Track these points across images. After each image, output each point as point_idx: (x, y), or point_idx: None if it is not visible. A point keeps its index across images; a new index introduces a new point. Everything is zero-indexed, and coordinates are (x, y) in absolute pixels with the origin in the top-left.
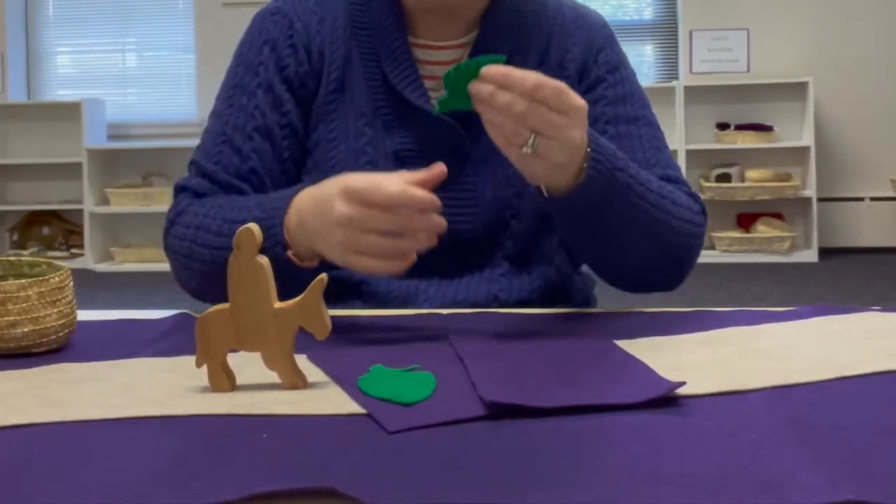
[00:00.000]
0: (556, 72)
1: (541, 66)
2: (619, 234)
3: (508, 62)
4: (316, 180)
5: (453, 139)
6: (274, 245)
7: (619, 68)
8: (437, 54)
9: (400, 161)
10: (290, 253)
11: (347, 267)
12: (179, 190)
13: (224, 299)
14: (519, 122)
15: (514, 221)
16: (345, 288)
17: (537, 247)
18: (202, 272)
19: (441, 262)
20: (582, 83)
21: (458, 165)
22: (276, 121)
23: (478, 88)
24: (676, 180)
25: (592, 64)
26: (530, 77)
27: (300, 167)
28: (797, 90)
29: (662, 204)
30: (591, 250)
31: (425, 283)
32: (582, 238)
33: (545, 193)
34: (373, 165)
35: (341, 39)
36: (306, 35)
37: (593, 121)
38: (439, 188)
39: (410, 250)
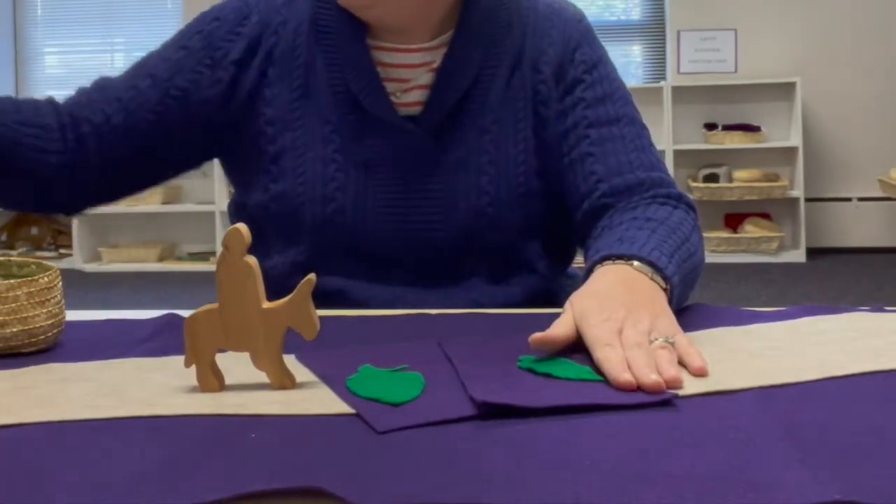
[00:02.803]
0: (531, 76)
1: (515, 70)
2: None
3: (482, 68)
4: (286, 189)
5: (422, 147)
6: None
7: (598, 66)
8: (402, 57)
9: (370, 169)
10: None
11: None
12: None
13: None
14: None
15: (491, 231)
16: (323, 297)
17: (517, 255)
18: None
19: (418, 271)
20: (559, 85)
21: (428, 173)
22: (180, 80)
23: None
24: (660, 182)
25: (569, 64)
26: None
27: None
28: (785, 90)
29: (690, 248)
30: None
31: (402, 290)
32: None
33: None
34: (343, 173)
35: (304, 45)
36: (258, 30)
37: (573, 125)
38: (409, 196)
39: None
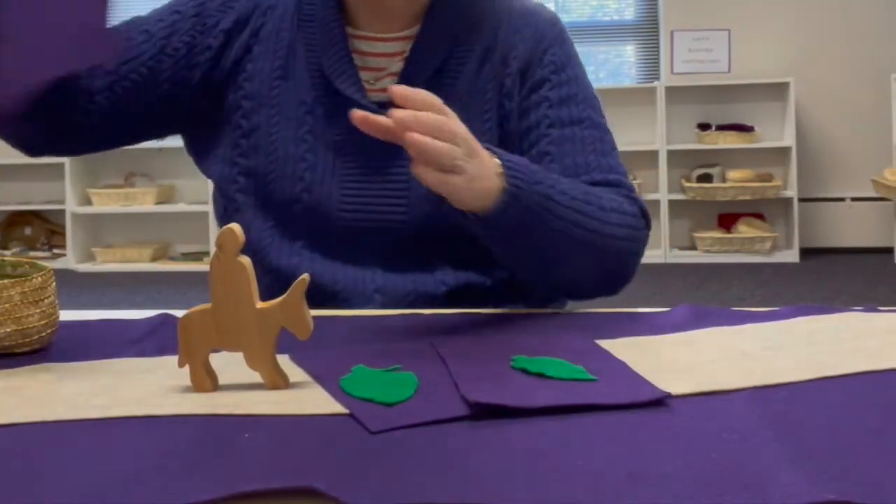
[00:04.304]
0: (500, 69)
1: (485, 62)
2: (546, 250)
3: (449, 59)
4: (257, 165)
5: None
6: None
7: (566, 68)
8: (380, 46)
9: (338, 150)
10: None
11: None
12: None
13: None
14: (450, 140)
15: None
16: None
17: (481, 243)
18: None
19: (385, 256)
20: (525, 82)
21: (392, 157)
22: (176, 40)
23: (401, 115)
24: (617, 184)
25: (537, 64)
26: (429, 94)
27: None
28: (778, 90)
29: (590, 212)
30: (522, 268)
31: (370, 274)
32: (513, 257)
33: (470, 217)
34: (313, 153)
35: (288, 30)
36: (249, 8)
37: (536, 123)
38: (373, 179)
39: None
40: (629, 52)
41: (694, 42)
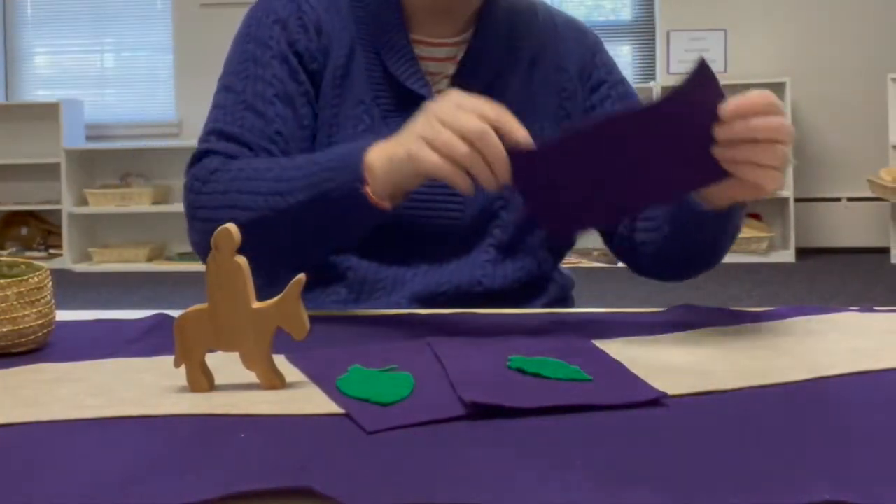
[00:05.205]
0: (556, 75)
1: (533, 68)
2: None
3: (502, 62)
4: None
5: None
6: (351, 180)
7: (615, 70)
8: (433, 50)
9: None
10: (367, 189)
11: (415, 163)
12: (204, 154)
13: (267, 252)
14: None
15: (504, 211)
16: (333, 274)
17: (523, 238)
18: (245, 220)
19: (429, 249)
20: (584, 84)
21: None
22: (295, 89)
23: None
24: None
25: (591, 66)
26: (751, 96)
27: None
28: (774, 91)
29: None
30: (704, 248)
31: (412, 272)
32: (699, 240)
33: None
34: None
35: (346, 29)
36: (315, 16)
37: None
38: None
39: (475, 170)
40: (625, 53)
41: (690, 42)
